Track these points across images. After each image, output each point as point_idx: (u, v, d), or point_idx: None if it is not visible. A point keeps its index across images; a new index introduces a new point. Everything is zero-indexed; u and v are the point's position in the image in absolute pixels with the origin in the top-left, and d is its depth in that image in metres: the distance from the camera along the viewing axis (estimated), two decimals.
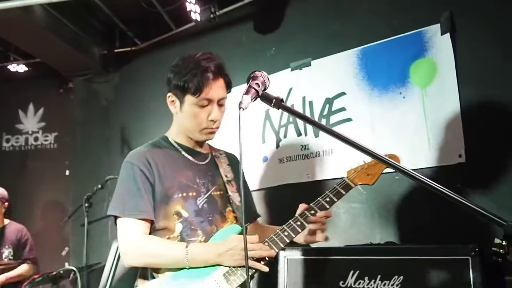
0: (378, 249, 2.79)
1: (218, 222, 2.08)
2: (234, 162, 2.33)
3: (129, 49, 5.32)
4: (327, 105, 3.66)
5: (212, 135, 2.13)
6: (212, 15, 4.21)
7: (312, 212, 1.98)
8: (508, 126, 2.89)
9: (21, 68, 5.65)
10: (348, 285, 2.69)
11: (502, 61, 2.94)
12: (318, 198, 2.03)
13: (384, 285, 2.57)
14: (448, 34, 3.09)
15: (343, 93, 3.59)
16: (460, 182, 2.98)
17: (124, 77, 5.52)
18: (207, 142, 2.27)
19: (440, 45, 3.13)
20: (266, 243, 1.95)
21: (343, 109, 3.57)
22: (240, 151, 1.52)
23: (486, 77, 2.99)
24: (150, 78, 5.11)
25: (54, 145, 6.06)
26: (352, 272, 2.69)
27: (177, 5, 4.39)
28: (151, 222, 2.01)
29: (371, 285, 2.62)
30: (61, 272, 4.11)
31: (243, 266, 1.89)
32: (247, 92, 1.58)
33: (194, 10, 4.20)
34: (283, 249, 2.04)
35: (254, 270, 1.91)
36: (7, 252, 4.57)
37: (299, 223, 1.97)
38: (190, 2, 4.15)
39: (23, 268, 4.61)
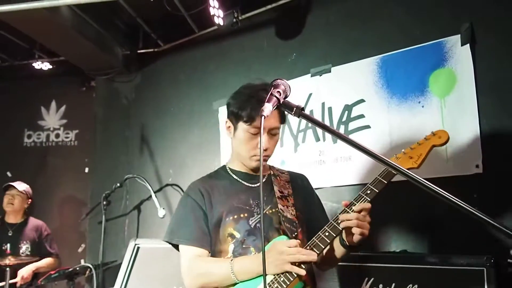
0: (393, 257, 2.85)
1: (273, 237, 2.10)
2: (297, 180, 2.39)
3: (151, 50, 5.43)
4: (346, 112, 3.74)
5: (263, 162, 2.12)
6: (234, 20, 4.29)
7: (353, 207, 1.93)
8: None
9: (46, 65, 5.78)
10: None
11: None
12: (359, 192, 1.98)
13: None
14: (468, 45, 3.15)
15: (362, 100, 3.67)
16: (477, 193, 3.03)
17: (145, 77, 5.63)
18: (268, 163, 2.37)
19: (460, 55, 3.19)
20: (308, 247, 1.95)
21: (361, 116, 3.65)
22: (260, 154, 1.61)
23: (505, 88, 3.05)
24: (171, 79, 5.25)
25: (75, 142, 6.17)
26: (366, 279, 2.78)
27: (200, 8, 4.48)
28: (205, 248, 2.14)
29: None
30: (77, 268, 4.21)
31: (284, 272, 1.91)
32: (268, 100, 1.64)
33: (218, 15, 4.28)
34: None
35: (294, 275, 1.90)
36: (24, 247, 4.67)
37: (339, 221, 1.93)
38: (214, 7, 4.24)
39: (50, 260, 4.76)
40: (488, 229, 1.78)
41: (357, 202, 1.93)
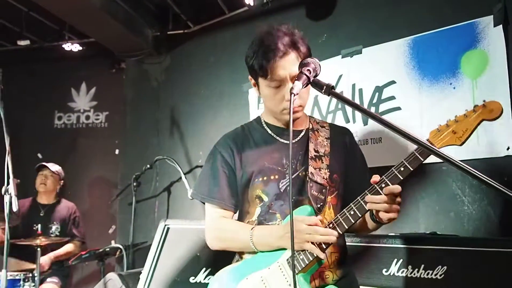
0: (422, 238, 2.91)
1: (302, 204, 2.02)
2: (339, 136, 2.25)
3: (181, 31, 5.54)
4: (377, 94, 3.87)
5: (296, 114, 2.08)
6: (265, 0, 4.43)
7: (383, 185, 1.81)
8: None
9: (75, 47, 5.91)
10: (391, 273, 2.81)
11: None
12: (392, 168, 1.83)
13: (427, 275, 2.68)
14: (500, 26, 3.24)
15: (393, 82, 3.79)
16: (508, 175, 3.16)
17: (175, 59, 5.76)
18: (309, 115, 2.30)
19: (492, 37, 3.29)
20: (331, 225, 1.89)
21: (392, 97, 3.78)
22: (290, 135, 1.60)
23: None
24: (201, 61, 5.39)
25: (105, 124, 6.36)
26: (395, 260, 2.83)
27: None
28: (230, 208, 2.14)
29: (414, 274, 2.73)
30: (107, 249, 4.39)
31: (302, 250, 1.88)
32: (298, 78, 1.66)
33: None
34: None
35: (314, 255, 1.86)
36: (54, 228, 4.82)
37: (366, 200, 1.84)
38: None
39: (70, 247, 4.85)
40: None
41: (387, 179, 1.80)
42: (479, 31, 3.36)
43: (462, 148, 3.30)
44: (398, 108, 3.74)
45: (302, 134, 2.18)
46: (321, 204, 2.03)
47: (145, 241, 4.91)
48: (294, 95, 1.62)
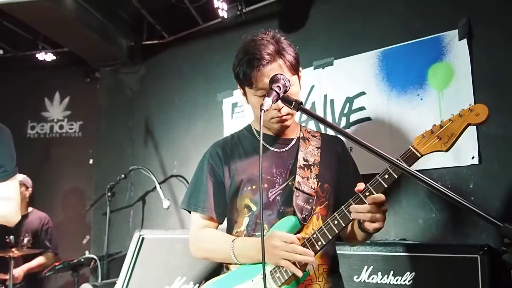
0: (391, 246, 2.98)
1: (290, 214, 1.99)
2: (330, 145, 2.22)
3: (156, 41, 5.59)
4: (348, 104, 3.96)
5: (284, 123, 2.05)
6: (238, 12, 4.50)
7: (367, 194, 1.78)
8: None
9: (49, 56, 5.91)
10: (362, 280, 2.91)
11: None
12: (376, 176, 1.80)
13: (396, 281, 2.80)
14: (465, 40, 3.37)
15: (363, 93, 3.89)
16: (473, 183, 3.29)
17: (150, 69, 5.79)
18: (300, 124, 2.29)
19: (458, 50, 3.42)
20: (315, 235, 1.87)
21: (362, 108, 3.88)
22: (260, 147, 1.63)
23: (500, 82, 3.27)
24: (176, 71, 5.43)
25: (79, 134, 6.36)
26: (366, 267, 2.93)
27: (205, 1, 4.68)
28: (215, 218, 2.12)
29: (383, 281, 2.84)
30: (82, 260, 4.37)
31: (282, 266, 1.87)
32: (268, 95, 1.69)
33: (222, 7, 4.49)
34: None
35: (290, 273, 1.86)
36: (26, 240, 4.78)
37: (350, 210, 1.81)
38: (218, 0, 4.44)
39: (42, 259, 4.83)
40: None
41: (372, 187, 1.78)
42: (445, 45, 3.49)
43: (430, 157, 3.45)
44: (368, 119, 3.84)
45: (293, 142, 2.16)
46: (307, 214, 2.00)
47: (119, 251, 4.90)
48: (264, 111, 1.63)
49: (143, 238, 3.68)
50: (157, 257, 3.56)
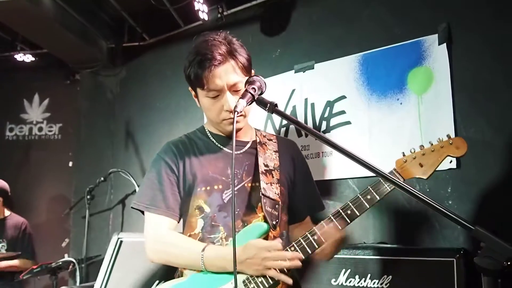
0: (368, 249, 3.01)
1: (246, 216, 1.98)
2: (286, 149, 2.22)
3: (137, 44, 5.57)
4: (328, 108, 3.98)
5: (237, 124, 1.90)
6: (219, 15, 4.51)
7: (349, 212, 1.84)
8: (498, 134, 3.20)
9: (28, 58, 5.82)
10: (340, 283, 2.94)
11: (495, 72, 3.25)
12: (358, 195, 1.85)
13: (373, 284, 2.83)
14: (445, 45, 3.40)
15: (344, 97, 3.91)
16: (451, 187, 3.32)
17: (131, 71, 5.78)
18: (255, 128, 2.27)
19: (437, 54, 3.45)
20: (293, 248, 1.86)
21: (343, 112, 3.89)
22: (233, 153, 1.65)
23: (478, 87, 3.30)
24: (157, 73, 5.41)
25: (58, 136, 6.28)
26: (344, 270, 2.96)
27: (185, 3, 4.64)
28: (173, 217, 2.03)
29: (361, 284, 2.87)
30: (60, 263, 4.28)
31: (264, 276, 1.83)
32: (243, 96, 1.67)
33: (202, 10, 4.49)
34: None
35: (272, 279, 1.83)
36: (0, 245, 4.76)
37: (331, 225, 1.83)
38: (198, 2, 4.43)
39: (16, 261, 4.75)
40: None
41: (353, 205, 1.85)
42: (424, 49, 3.52)
43: None
44: (348, 123, 3.85)
45: (248, 145, 2.14)
46: (276, 220, 1.98)
47: (98, 255, 4.86)
48: (238, 113, 1.63)
49: (121, 241, 3.63)
50: (135, 260, 3.46)
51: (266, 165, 2.08)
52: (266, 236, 1.93)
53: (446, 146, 1.81)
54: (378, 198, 1.85)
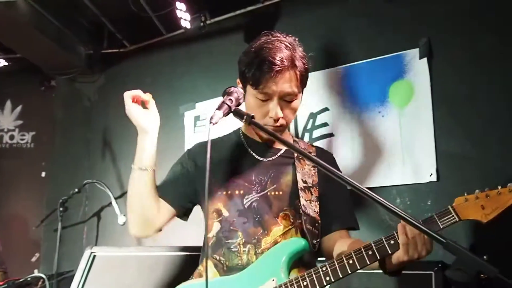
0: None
1: (267, 224, 2.00)
2: (323, 160, 2.16)
3: (116, 50, 5.70)
4: (311, 120, 4.24)
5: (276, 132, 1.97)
6: (202, 24, 4.71)
7: (392, 242, 1.74)
8: (477, 148, 3.49)
9: (0, 62, 5.91)
10: None
11: (475, 87, 3.55)
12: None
13: None
14: (425, 59, 3.71)
15: (327, 109, 4.18)
16: (430, 200, 3.60)
17: (109, 78, 5.90)
18: (294, 137, 2.33)
19: (418, 68, 3.75)
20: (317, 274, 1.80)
21: (325, 124, 4.16)
22: (208, 164, 1.64)
23: (458, 101, 3.59)
24: (137, 81, 5.42)
25: (31, 145, 6.31)
26: None
27: (167, 10, 4.83)
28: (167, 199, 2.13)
29: None
30: (29, 279, 4.30)
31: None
32: (219, 108, 1.72)
33: (184, 18, 4.69)
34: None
35: None
36: None
37: (370, 252, 1.74)
38: (181, 10, 4.63)
39: None
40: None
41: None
42: (406, 63, 3.82)
43: (390, 174, 3.73)
44: (331, 135, 4.12)
45: (280, 153, 2.16)
46: (317, 240, 2.02)
47: (71, 270, 4.74)
48: (213, 124, 1.67)
49: (94, 256, 3.61)
50: (109, 276, 3.50)
51: (305, 182, 2.10)
52: (302, 255, 1.97)
53: None
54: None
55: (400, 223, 1.70)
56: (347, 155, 3.96)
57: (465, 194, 1.76)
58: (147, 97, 2.10)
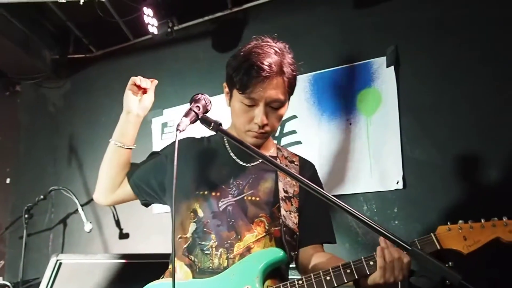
0: None
1: (241, 229, 1.96)
2: (305, 173, 2.17)
3: (83, 55, 5.58)
4: (279, 127, 4.15)
5: (258, 140, 2.04)
6: (169, 29, 4.61)
7: (372, 263, 1.72)
8: (443, 155, 3.48)
9: None
10: None
11: (441, 95, 3.54)
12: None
13: None
14: (392, 67, 3.68)
15: (295, 117, 4.12)
16: (397, 207, 3.57)
17: (76, 84, 5.77)
18: (277, 145, 2.32)
19: (385, 76, 3.72)
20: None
21: (294, 132, 4.10)
22: (175, 172, 1.60)
23: (425, 109, 3.58)
24: (104, 87, 5.42)
25: None
26: None
27: (135, 16, 4.71)
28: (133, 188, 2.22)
29: None
30: None
31: None
32: (186, 115, 1.70)
33: (152, 24, 4.59)
34: None
35: None
36: None
37: (348, 271, 1.74)
38: (148, 15, 4.53)
39: None
40: None
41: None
42: (373, 71, 3.79)
43: (358, 181, 3.68)
44: (299, 142, 4.06)
45: (261, 160, 1.99)
46: (295, 252, 1.99)
47: (36, 278, 4.74)
48: (180, 132, 1.64)
49: (60, 263, 3.58)
50: (75, 283, 3.47)
51: (286, 191, 2.07)
52: (279, 266, 1.93)
53: (499, 227, 1.69)
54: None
55: (379, 246, 1.69)
56: (314, 162, 3.72)
57: (448, 224, 1.74)
58: (147, 84, 2.20)
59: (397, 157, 3.57)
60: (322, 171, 3.81)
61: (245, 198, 2.03)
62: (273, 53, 1.96)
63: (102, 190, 2.27)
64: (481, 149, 3.37)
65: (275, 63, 1.93)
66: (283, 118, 3.97)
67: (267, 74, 1.89)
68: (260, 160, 2.08)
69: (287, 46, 2.08)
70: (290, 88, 2.04)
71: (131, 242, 4.93)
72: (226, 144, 2.16)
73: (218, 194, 2.03)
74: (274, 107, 1.98)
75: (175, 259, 1.98)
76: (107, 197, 2.28)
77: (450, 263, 1.43)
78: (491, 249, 1.67)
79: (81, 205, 4.81)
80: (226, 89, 2.08)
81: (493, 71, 3.39)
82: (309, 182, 1.59)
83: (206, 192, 2.04)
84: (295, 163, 2.23)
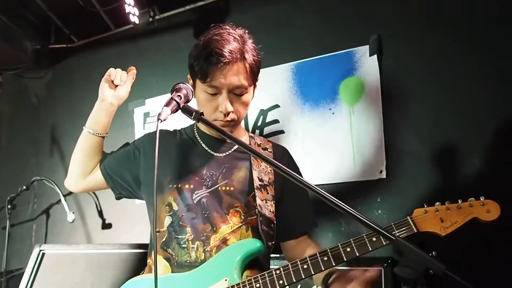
0: None
1: (216, 221, 1.93)
2: (279, 159, 2.06)
3: (64, 45, 5.45)
4: (262, 117, 4.06)
5: (226, 128, 1.97)
6: (150, 19, 4.50)
7: (348, 249, 1.70)
8: (426, 145, 3.38)
9: None
10: None
11: (424, 84, 3.43)
12: (363, 235, 1.72)
13: None
14: (375, 56, 3.57)
15: (277, 106, 4.00)
16: (380, 197, 3.47)
17: (57, 74, 5.65)
18: (250, 133, 2.26)
19: (368, 65, 3.60)
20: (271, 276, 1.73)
21: (276, 121, 3.98)
22: (156, 162, 1.54)
23: (407, 98, 3.47)
24: (85, 77, 5.27)
25: None
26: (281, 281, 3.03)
27: (115, 5, 4.59)
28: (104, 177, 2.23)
29: None
30: None
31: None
32: (167, 104, 1.65)
33: (133, 13, 4.47)
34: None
35: None
36: None
37: (325, 258, 1.70)
38: (129, 4, 4.41)
39: None
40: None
41: (355, 244, 1.71)
42: (356, 60, 3.67)
43: (340, 171, 3.59)
44: (282, 132, 3.94)
45: (234, 148, 2.09)
46: (272, 242, 1.98)
47: (20, 268, 4.70)
48: (161, 121, 1.60)
49: (43, 254, 3.57)
50: (59, 273, 3.46)
51: (261, 179, 2.04)
52: (257, 256, 1.90)
53: (476, 207, 1.66)
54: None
55: None
56: (297, 152, 3.78)
57: (425, 206, 1.70)
58: (121, 82, 2.22)
59: (380, 147, 3.47)
60: (304, 160, 3.70)
61: (219, 188, 1.99)
62: (232, 39, 1.92)
63: (73, 176, 2.29)
64: (464, 138, 3.27)
65: (235, 49, 1.90)
66: (264, 108, 3.95)
67: (227, 60, 1.85)
68: (233, 149, 2.08)
69: (247, 32, 2.05)
70: (253, 74, 1.98)
71: (114, 232, 4.86)
72: (197, 135, 2.13)
73: (191, 186, 2.00)
74: (237, 93, 1.94)
75: (154, 253, 1.91)
76: (77, 183, 2.29)
77: (434, 253, 1.37)
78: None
79: (64, 196, 4.73)
80: (191, 81, 2.03)
81: (476, 61, 3.29)
82: (287, 169, 1.54)
83: (180, 185, 2.00)
84: (269, 149, 2.18)
